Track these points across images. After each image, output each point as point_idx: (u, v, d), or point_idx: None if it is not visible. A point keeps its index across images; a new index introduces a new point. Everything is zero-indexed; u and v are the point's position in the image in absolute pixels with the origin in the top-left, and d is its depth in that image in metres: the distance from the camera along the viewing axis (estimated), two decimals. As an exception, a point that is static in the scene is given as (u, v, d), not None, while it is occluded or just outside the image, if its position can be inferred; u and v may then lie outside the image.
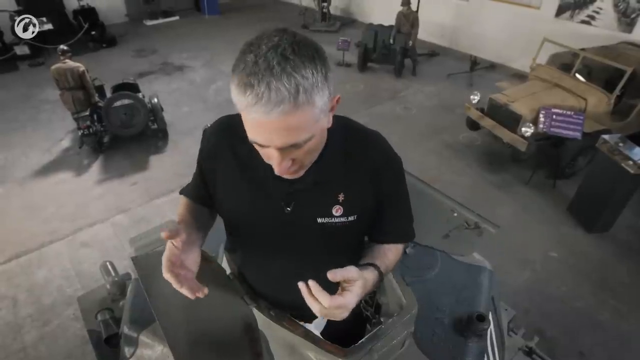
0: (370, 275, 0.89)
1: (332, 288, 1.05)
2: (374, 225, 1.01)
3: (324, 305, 0.76)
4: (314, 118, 0.72)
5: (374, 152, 0.95)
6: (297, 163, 0.80)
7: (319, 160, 0.90)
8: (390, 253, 1.01)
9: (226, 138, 0.95)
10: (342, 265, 0.90)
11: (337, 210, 0.93)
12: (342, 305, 0.78)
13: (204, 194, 1.05)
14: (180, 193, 1.13)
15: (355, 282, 0.81)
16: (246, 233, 1.02)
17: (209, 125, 1.03)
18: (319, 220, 0.93)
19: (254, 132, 0.73)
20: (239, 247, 1.10)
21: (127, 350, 1.30)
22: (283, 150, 0.74)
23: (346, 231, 0.96)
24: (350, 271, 0.82)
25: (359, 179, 0.94)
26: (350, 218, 0.94)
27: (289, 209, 0.92)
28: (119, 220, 3.85)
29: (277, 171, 0.78)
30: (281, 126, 0.69)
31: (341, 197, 0.92)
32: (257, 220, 0.96)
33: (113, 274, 1.89)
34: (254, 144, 0.77)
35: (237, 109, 0.73)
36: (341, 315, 0.80)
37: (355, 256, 1.06)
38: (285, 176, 0.83)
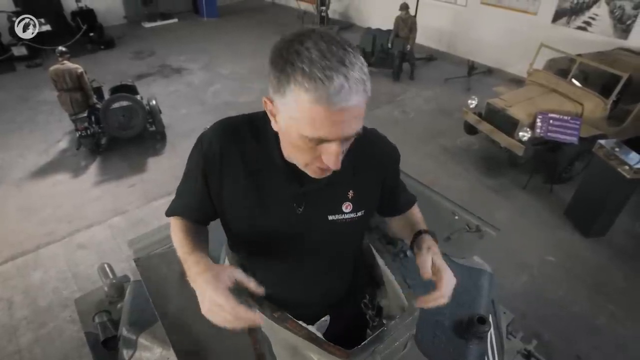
0: (432, 242, 1.00)
1: (343, 278, 1.13)
2: (391, 202, 1.11)
3: (439, 299, 0.91)
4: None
5: (378, 147, 1.00)
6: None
7: None
8: (417, 212, 1.17)
9: (232, 141, 0.90)
10: (346, 259, 0.97)
11: (346, 207, 0.95)
12: (446, 288, 0.92)
13: (208, 210, 0.97)
14: (171, 214, 1.03)
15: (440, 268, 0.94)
16: (253, 237, 0.98)
17: (206, 129, 0.94)
18: (330, 217, 0.95)
19: (321, 126, 0.70)
20: (242, 249, 1.09)
21: (125, 353, 1.29)
22: (343, 142, 0.75)
23: (354, 226, 0.98)
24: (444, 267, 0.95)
25: (367, 175, 0.97)
26: (359, 213, 0.97)
27: (300, 209, 0.92)
28: (117, 222, 3.84)
29: (333, 166, 0.76)
30: (354, 114, 0.71)
31: (351, 194, 0.95)
32: (266, 223, 0.94)
33: (111, 276, 1.89)
34: (303, 146, 0.75)
35: (297, 108, 0.69)
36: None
37: (358, 248, 1.09)
38: (321, 176, 0.83)
